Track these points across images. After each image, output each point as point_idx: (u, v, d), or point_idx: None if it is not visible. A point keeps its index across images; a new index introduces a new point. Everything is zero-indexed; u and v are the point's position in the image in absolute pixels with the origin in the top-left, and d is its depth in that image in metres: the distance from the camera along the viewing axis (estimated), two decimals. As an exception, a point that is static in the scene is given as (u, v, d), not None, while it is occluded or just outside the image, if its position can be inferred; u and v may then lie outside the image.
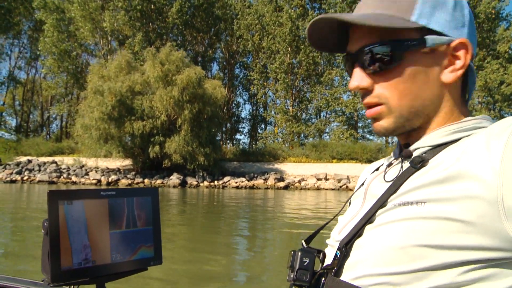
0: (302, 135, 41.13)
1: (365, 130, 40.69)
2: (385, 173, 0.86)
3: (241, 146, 42.27)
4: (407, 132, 0.83)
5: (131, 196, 1.09)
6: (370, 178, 0.92)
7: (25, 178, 26.95)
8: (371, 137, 39.35)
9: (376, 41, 0.77)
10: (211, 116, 27.84)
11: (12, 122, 44.77)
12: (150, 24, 39.51)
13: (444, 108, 0.81)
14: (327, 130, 42.20)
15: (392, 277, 0.69)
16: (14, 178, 26.84)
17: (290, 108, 41.13)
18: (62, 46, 38.08)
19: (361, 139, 39.01)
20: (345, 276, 0.77)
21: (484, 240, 0.63)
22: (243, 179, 27.06)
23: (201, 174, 26.77)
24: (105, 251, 1.04)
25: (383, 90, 0.79)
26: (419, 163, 0.76)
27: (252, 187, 26.47)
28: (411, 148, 0.82)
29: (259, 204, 18.87)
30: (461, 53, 0.78)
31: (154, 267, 1.11)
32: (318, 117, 44.10)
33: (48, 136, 44.25)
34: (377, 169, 0.96)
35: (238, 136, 56.41)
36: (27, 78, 46.10)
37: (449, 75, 0.78)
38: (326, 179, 27.70)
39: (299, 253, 0.82)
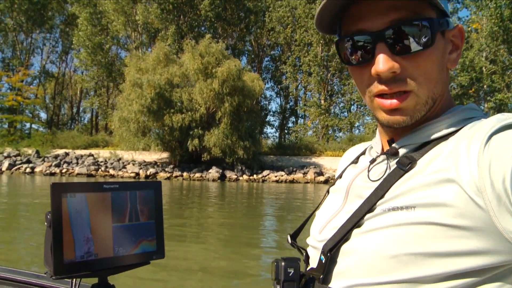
0: (335, 129, 40.48)
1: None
2: (369, 171, 0.79)
3: (271, 140, 41.84)
4: None
5: (134, 190, 1.08)
6: (352, 173, 0.85)
7: (63, 171, 26.97)
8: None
9: (412, 17, 0.68)
10: (250, 109, 27.43)
11: (43, 115, 45.06)
12: (182, 17, 39.26)
13: (445, 95, 0.76)
14: (356, 124, 41.53)
15: (386, 286, 0.66)
16: (53, 171, 26.90)
17: (322, 101, 40.50)
18: (95, 39, 38.13)
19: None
20: (335, 285, 0.73)
21: (478, 243, 0.60)
22: (282, 173, 26.61)
23: (240, 167, 26.37)
24: (108, 244, 1.03)
25: (413, 75, 0.69)
26: (407, 164, 0.71)
27: (292, 181, 26.00)
28: (397, 145, 0.76)
29: (299, 198, 18.46)
30: (459, 39, 0.77)
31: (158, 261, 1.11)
32: (348, 111, 43.35)
33: (77, 128, 44.47)
34: (355, 161, 0.91)
35: (268, 129, 55.68)
36: (58, 72, 46.37)
37: (453, 61, 0.76)
38: (366, 173, 27.09)
39: (283, 264, 0.77)
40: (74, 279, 1.14)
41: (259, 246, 8.38)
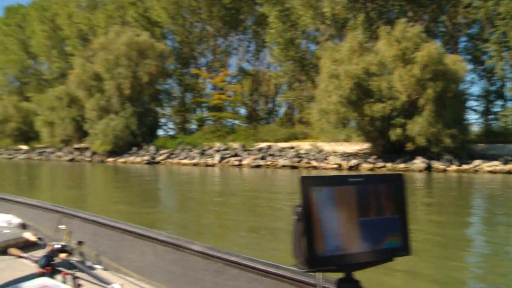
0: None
1: None
2: None
3: (474, 127, 38.10)
4: None
5: (378, 183, 1.06)
6: None
7: (268, 163, 28.60)
8: None
9: None
10: (455, 94, 25.39)
11: (242, 111, 48.57)
12: (370, 4, 38.30)
13: None
14: None
15: None
16: (258, 163, 28.73)
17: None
18: (287, 35, 39.60)
19: None
20: None
21: None
22: (497, 162, 23.99)
23: (447, 157, 24.58)
24: (355, 239, 1.03)
25: None
26: None
27: (509, 172, 23.27)
28: None
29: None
30: None
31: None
32: None
33: (273, 122, 46.88)
34: None
35: (471, 115, 50.76)
36: (253, 70, 49.57)
37: None
38: None
39: None
40: (321, 274, 1.14)
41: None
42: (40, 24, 56.91)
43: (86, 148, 41.88)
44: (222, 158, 30.80)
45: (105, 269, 2.57)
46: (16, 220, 3.43)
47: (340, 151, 27.95)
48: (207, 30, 47.85)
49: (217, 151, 32.83)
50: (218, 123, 42.64)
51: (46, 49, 57.48)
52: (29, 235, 3.04)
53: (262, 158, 29.33)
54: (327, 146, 28.78)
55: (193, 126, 48.64)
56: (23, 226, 3.40)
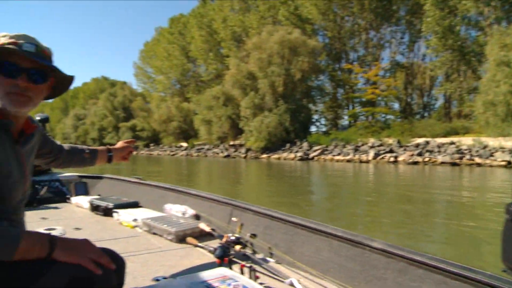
0: None
1: None
2: None
3: None
4: None
5: None
6: None
7: (426, 159, 27.13)
8: None
9: None
10: None
11: (396, 106, 46.73)
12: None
13: None
14: None
15: None
16: (415, 160, 27.41)
17: None
18: (445, 23, 36.98)
19: None
20: None
21: None
22: None
23: None
24: None
25: None
26: None
27: None
28: None
29: None
30: None
31: None
32: None
33: (429, 116, 44.25)
34: None
35: None
36: (407, 62, 47.29)
37: None
38: None
39: None
40: None
41: None
42: (198, 30, 61.57)
43: (241, 145, 44.00)
44: (377, 155, 30.04)
45: (277, 263, 2.58)
46: (191, 211, 3.66)
47: (508, 146, 25.28)
48: (359, 23, 47.04)
49: (371, 147, 32.15)
50: (372, 118, 41.69)
51: (204, 52, 62.06)
52: (204, 226, 3.22)
53: (419, 154, 27.92)
54: (492, 142, 26.24)
55: (345, 122, 48.36)
56: (197, 217, 3.61)
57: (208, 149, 48.64)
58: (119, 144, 2.34)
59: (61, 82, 1.60)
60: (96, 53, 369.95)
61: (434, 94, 45.49)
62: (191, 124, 56.30)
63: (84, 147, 2.19)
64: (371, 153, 30.33)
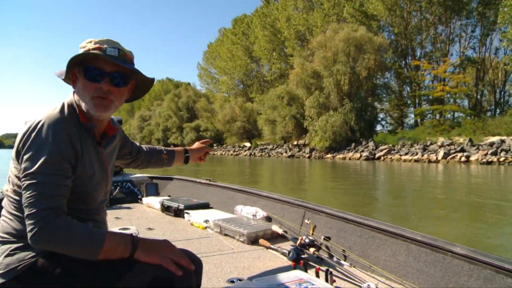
0: None
1: None
2: None
3: None
4: None
5: None
6: None
7: (501, 159, 25.79)
8: None
9: None
10: None
11: (465, 103, 44.56)
12: None
13: None
14: None
15: None
16: (490, 160, 26.11)
17: None
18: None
19: None
20: None
21: None
22: None
23: None
24: None
25: None
26: None
27: None
28: None
29: None
30: None
31: None
32: None
33: (501, 113, 41.76)
34: None
35: None
36: (478, 57, 44.93)
37: None
38: None
39: None
40: None
41: None
42: (262, 30, 61.88)
43: (305, 145, 43.74)
44: (447, 154, 28.87)
45: (352, 266, 2.51)
46: (262, 213, 3.65)
47: None
48: (427, 18, 45.35)
49: (441, 146, 30.96)
50: (439, 117, 40.12)
51: (267, 52, 62.28)
52: (276, 228, 3.19)
53: (494, 153, 26.55)
54: None
55: (411, 120, 46.86)
56: (268, 219, 3.59)
57: (271, 149, 48.84)
58: (196, 145, 2.38)
59: (142, 84, 1.65)
60: (161, 55, 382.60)
61: (508, 90, 43.02)
62: (254, 124, 56.75)
63: (162, 148, 2.24)
64: (441, 153, 29.20)
